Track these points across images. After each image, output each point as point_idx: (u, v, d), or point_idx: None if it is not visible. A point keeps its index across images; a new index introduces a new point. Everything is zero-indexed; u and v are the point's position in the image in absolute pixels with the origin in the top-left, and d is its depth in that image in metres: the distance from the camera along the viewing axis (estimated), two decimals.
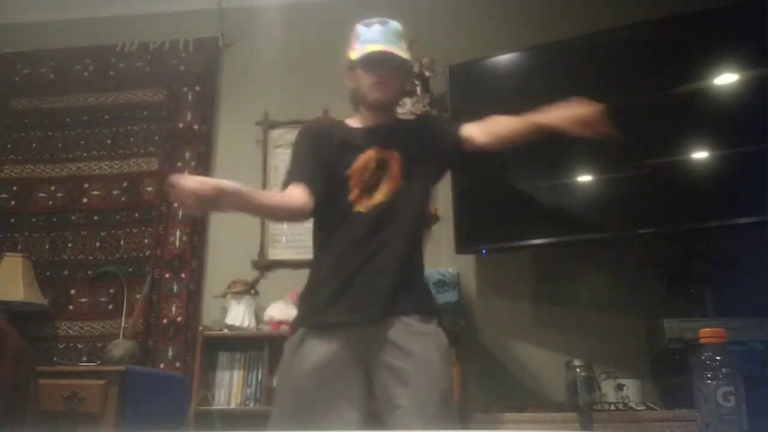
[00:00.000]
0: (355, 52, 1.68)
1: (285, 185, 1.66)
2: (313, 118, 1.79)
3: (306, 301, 1.69)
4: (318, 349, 1.55)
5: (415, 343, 1.55)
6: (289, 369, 1.58)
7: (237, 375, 2.76)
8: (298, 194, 1.60)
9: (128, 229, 3.14)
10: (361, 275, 1.58)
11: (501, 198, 2.75)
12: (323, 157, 1.67)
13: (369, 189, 1.64)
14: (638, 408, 2.20)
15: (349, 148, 1.68)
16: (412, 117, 1.90)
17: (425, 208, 1.76)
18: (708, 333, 1.02)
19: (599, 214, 2.56)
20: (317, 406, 1.51)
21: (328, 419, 1.49)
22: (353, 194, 1.63)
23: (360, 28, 1.71)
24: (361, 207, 1.63)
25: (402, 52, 1.68)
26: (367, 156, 1.66)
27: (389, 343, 1.54)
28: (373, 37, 1.67)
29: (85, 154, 3.28)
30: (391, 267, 1.59)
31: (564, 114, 1.66)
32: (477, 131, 1.69)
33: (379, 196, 1.64)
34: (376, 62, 1.65)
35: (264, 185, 3.11)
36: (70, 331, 3.02)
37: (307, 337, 1.57)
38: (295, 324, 1.65)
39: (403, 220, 1.65)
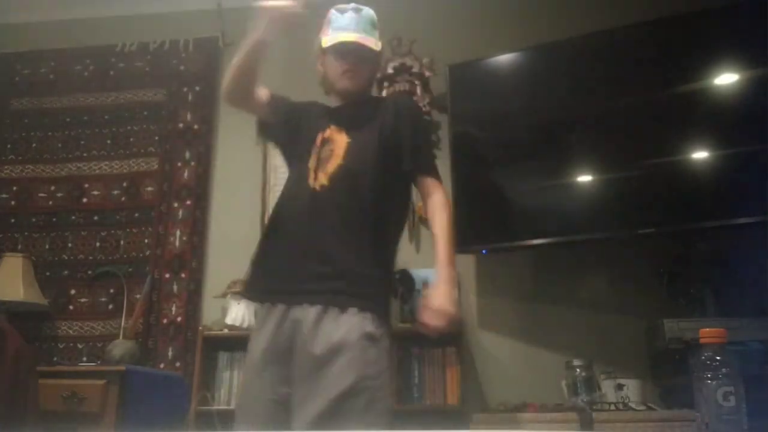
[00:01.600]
0: (327, 39, 1.67)
1: None
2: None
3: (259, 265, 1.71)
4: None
5: (332, 336, 1.44)
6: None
7: (237, 375, 2.76)
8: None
9: (128, 229, 3.14)
10: (300, 253, 1.54)
11: (501, 198, 2.75)
12: (296, 118, 1.74)
13: (321, 166, 1.62)
14: (638, 408, 2.20)
15: (317, 123, 1.70)
16: (392, 97, 1.86)
17: (379, 199, 1.60)
18: (708, 333, 1.02)
19: (599, 214, 2.56)
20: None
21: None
22: (311, 164, 1.63)
23: (333, 14, 1.70)
24: (314, 182, 1.60)
25: (374, 43, 1.68)
26: (324, 134, 1.66)
27: (312, 332, 1.46)
28: (346, 25, 1.66)
29: (85, 154, 3.28)
30: (326, 252, 1.52)
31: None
32: (424, 195, 1.73)
33: (323, 176, 1.60)
34: (347, 52, 1.65)
35: (264, 185, 3.11)
36: (70, 331, 3.02)
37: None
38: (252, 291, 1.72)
39: (348, 204, 1.56)
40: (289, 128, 1.76)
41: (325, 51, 1.69)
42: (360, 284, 1.51)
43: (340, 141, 1.63)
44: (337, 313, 1.47)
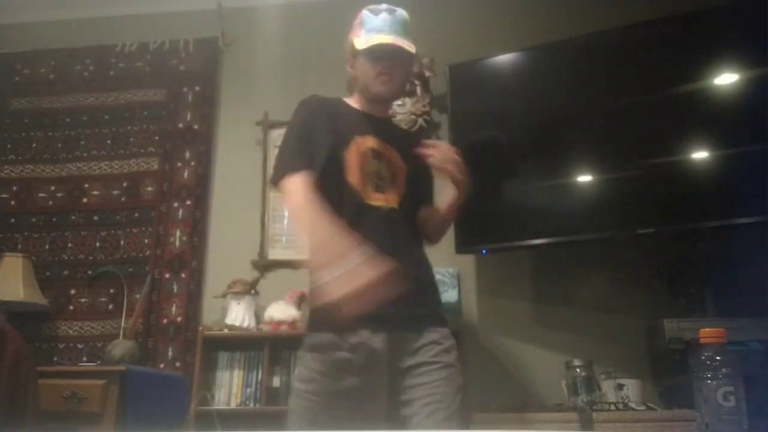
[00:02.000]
0: (361, 41, 1.59)
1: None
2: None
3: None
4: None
5: (441, 356, 1.53)
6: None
7: (237, 375, 2.76)
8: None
9: (128, 229, 3.14)
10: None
11: (501, 198, 2.75)
12: (320, 132, 1.58)
13: (375, 182, 1.55)
14: (638, 408, 2.20)
15: (347, 126, 1.60)
16: (404, 128, 1.83)
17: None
18: (708, 333, 1.02)
19: (599, 214, 2.56)
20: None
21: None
22: (355, 181, 1.52)
23: (366, 15, 1.63)
24: (376, 201, 1.53)
25: (409, 45, 1.60)
26: (365, 140, 1.58)
27: (415, 354, 1.50)
28: (380, 27, 1.59)
29: (85, 154, 3.28)
30: (416, 275, 1.53)
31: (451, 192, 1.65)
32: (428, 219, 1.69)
33: (395, 194, 1.57)
34: (383, 54, 1.58)
35: (264, 185, 3.11)
36: (70, 331, 3.02)
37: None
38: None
39: (414, 231, 1.62)
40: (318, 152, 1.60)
41: (357, 53, 1.61)
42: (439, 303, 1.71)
43: (393, 157, 1.60)
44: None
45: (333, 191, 1.50)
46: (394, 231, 1.53)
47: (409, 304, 1.46)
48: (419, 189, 1.68)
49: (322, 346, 1.48)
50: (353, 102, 1.70)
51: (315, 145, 1.56)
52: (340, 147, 1.55)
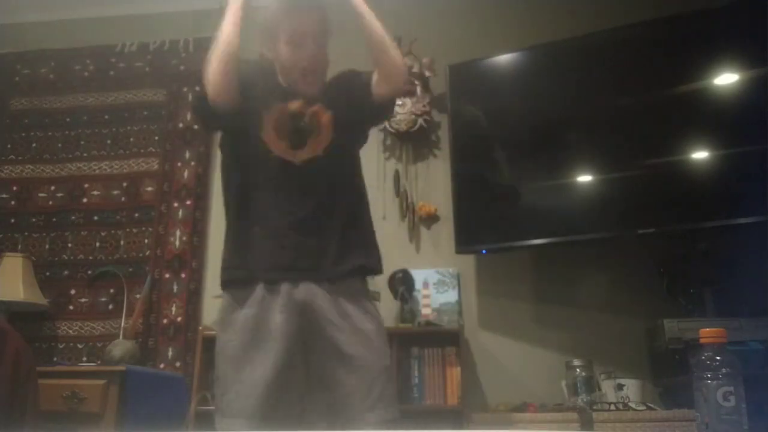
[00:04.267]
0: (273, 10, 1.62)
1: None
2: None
3: (238, 253, 1.60)
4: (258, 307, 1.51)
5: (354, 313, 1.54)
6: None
7: None
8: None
9: (128, 229, 3.14)
10: (298, 233, 1.55)
11: (501, 198, 2.75)
12: (247, 89, 1.61)
13: (294, 138, 1.56)
14: (638, 408, 2.20)
15: (273, 92, 1.62)
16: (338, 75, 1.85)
17: (359, 171, 1.71)
18: (708, 333, 1.02)
19: (599, 214, 2.56)
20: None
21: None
22: (271, 138, 1.56)
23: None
24: (292, 157, 1.56)
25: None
26: (282, 107, 1.58)
27: (327, 309, 1.52)
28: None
29: (85, 154, 3.28)
30: (331, 229, 1.57)
31: None
32: (378, 81, 1.63)
33: (311, 149, 1.57)
34: (302, 35, 1.57)
35: None
36: (70, 331, 3.02)
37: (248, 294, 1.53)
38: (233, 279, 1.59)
39: (340, 179, 1.62)
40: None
41: (275, 36, 1.63)
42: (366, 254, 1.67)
43: (320, 113, 1.57)
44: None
45: (252, 151, 1.58)
46: (311, 186, 1.57)
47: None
48: (351, 123, 1.64)
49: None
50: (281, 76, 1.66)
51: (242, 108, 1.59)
52: (260, 111, 1.57)
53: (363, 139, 1.76)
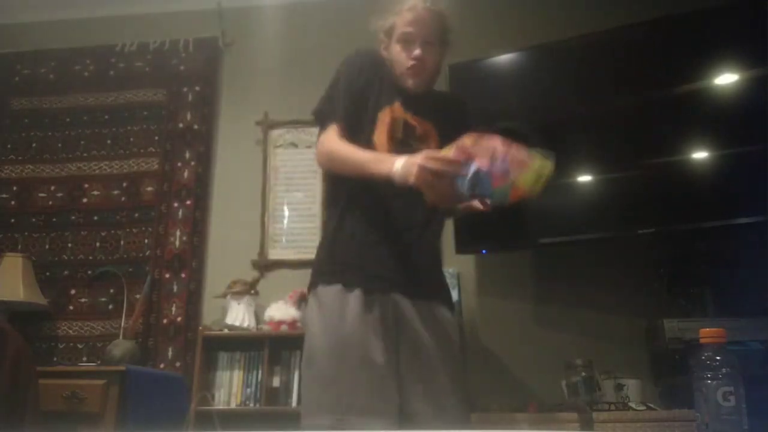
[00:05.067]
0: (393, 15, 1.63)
1: (323, 118, 1.61)
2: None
3: (343, 253, 1.57)
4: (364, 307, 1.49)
5: (441, 330, 1.55)
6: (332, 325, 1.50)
7: (237, 375, 2.76)
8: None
9: (128, 229, 3.14)
10: (403, 248, 1.56)
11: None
12: (361, 90, 1.61)
13: (401, 148, 1.53)
14: (638, 408, 2.20)
15: (388, 94, 1.62)
16: (449, 93, 1.83)
17: None
18: (708, 333, 1.02)
19: (599, 214, 2.56)
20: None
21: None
22: (381, 141, 1.56)
23: None
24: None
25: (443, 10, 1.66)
26: (396, 109, 1.59)
27: (421, 322, 1.53)
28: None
29: (85, 154, 3.28)
30: (429, 248, 1.61)
31: None
32: None
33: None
34: (415, 34, 1.60)
35: (264, 185, 3.11)
36: (70, 331, 3.02)
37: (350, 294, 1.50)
38: (331, 276, 1.54)
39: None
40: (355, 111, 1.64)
41: (391, 34, 1.64)
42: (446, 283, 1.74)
43: (429, 131, 1.61)
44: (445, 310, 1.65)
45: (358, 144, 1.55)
46: (412, 199, 1.51)
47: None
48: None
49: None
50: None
51: (359, 105, 1.60)
52: (376, 109, 1.60)
53: None
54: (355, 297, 1.49)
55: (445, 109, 1.72)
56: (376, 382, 1.42)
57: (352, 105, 1.60)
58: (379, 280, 1.52)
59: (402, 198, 1.53)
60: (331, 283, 1.52)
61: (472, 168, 1.35)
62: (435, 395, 1.48)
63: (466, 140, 1.39)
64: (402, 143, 1.57)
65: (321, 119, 1.63)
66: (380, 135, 1.57)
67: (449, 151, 1.37)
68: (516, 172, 1.40)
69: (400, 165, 1.39)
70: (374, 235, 1.56)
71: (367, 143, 1.55)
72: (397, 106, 1.61)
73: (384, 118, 1.59)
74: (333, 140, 1.56)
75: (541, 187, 1.43)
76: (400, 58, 1.63)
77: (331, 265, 1.57)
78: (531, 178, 1.42)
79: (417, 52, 1.60)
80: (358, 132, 1.58)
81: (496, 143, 1.39)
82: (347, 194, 1.60)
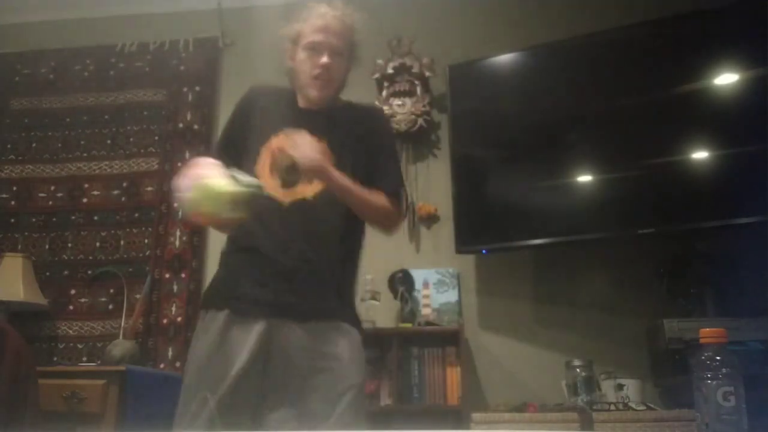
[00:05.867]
0: (301, 22, 1.62)
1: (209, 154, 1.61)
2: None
3: (223, 281, 1.60)
4: (241, 334, 1.48)
5: (332, 344, 1.50)
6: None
7: None
8: None
9: (128, 229, 3.14)
10: (277, 277, 1.51)
11: (501, 198, 2.75)
12: (247, 127, 1.63)
13: (288, 177, 1.53)
14: (638, 408, 2.20)
15: (275, 121, 1.60)
16: (363, 105, 1.78)
17: (352, 223, 1.61)
18: (708, 333, 1.02)
19: (599, 214, 2.56)
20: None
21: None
22: (263, 174, 1.54)
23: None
24: (281, 196, 1.53)
25: (349, 16, 1.62)
26: (280, 140, 1.55)
27: (303, 346, 1.48)
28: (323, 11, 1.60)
29: (85, 154, 3.28)
30: (316, 267, 1.52)
31: None
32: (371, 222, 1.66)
33: (303, 190, 1.53)
34: (321, 43, 1.57)
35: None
36: (70, 331, 3.02)
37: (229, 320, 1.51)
38: (211, 303, 1.57)
39: (330, 226, 1.56)
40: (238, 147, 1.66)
41: (297, 41, 1.62)
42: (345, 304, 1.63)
43: (324, 152, 1.53)
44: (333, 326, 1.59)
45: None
46: (298, 223, 1.53)
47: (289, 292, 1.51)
48: (356, 176, 1.57)
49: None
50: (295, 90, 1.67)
51: (239, 135, 1.64)
52: (260, 143, 1.58)
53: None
54: (221, 318, 1.51)
55: (351, 121, 1.65)
56: (227, 393, 1.45)
57: (227, 145, 1.66)
58: (245, 303, 1.50)
59: (277, 221, 1.53)
60: (206, 309, 1.56)
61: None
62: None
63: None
64: (288, 170, 1.53)
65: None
66: (263, 168, 1.55)
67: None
68: (189, 191, 1.37)
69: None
70: (247, 261, 1.54)
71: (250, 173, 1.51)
72: (282, 135, 1.55)
73: (267, 150, 1.56)
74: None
75: (220, 212, 1.37)
76: (305, 67, 1.59)
77: (208, 292, 1.63)
78: (198, 201, 1.38)
79: (324, 59, 1.57)
80: (241, 161, 1.56)
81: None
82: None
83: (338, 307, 1.56)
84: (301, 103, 1.66)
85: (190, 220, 1.49)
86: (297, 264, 1.52)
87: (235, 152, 1.61)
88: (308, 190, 1.54)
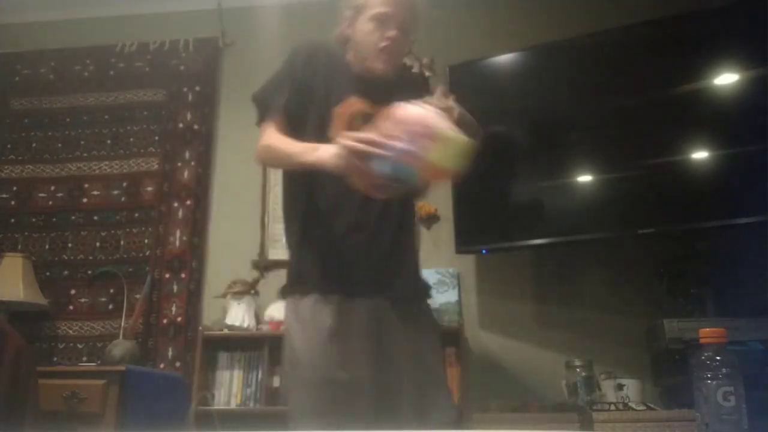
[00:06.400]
0: None
1: (262, 109, 1.58)
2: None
3: (308, 263, 1.52)
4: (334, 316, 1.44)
5: (417, 327, 1.51)
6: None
7: (237, 375, 2.76)
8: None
9: (128, 229, 3.14)
10: (365, 245, 1.49)
11: (501, 198, 2.75)
12: (306, 83, 1.53)
13: None
14: (638, 408, 2.19)
15: (339, 84, 1.54)
16: (411, 74, 1.74)
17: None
18: (708, 333, 1.02)
19: (599, 214, 2.56)
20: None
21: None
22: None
23: None
24: None
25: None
26: (356, 102, 1.50)
27: (397, 321, 1.48)
28: None
29: (85, 154, 3.28)
30: (398, 243, 1.53)
31: None
32: None
33: None
34: (390, 15, 1.52)
35: (264, 186, 3.10)
36: (70, 331, 3.02)
37: (320, 303, 1.46)
38: (301, 287, 1.50)
39: (410, 208, 1.60)
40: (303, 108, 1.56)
41: (361, 10, 1.55)
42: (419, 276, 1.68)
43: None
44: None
45: (326, 178, 1.45)
46: (378, 203, 1.47)
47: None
48: None
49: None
50: (351, 58, 1.61)
51: (303, 97, 1.53)
52: (329, 106, 1.51)
53: None
54: (328, 307, 1.45)
55: (402, 87, 1.60)
56: (343, 401, 1.38)
57: (294, 98, 1.54)
58: (346, 284, 1.47)
59: (353, 195, 1.43)
60: (305, 295, 1.48)
61: (395, 147, 1.21)
62: (421, 400, 1.45)
63: (381, 117, 1.28)
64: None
65: (260, 109, 1.59)
66: (338, 131, 1.45)
67: (371, 130, 1.27)
68: (428, 148, 1.21)
69: (328, 151, 1.33)
70: (335, 241, 1.50)
71: (319, 139, 1.46)
72: (354, 99, 1.52)
73: (341, 114, 1.50)
74: (271, 135, 1.52)
75: (461, 164, 1.23)
76: (371, 38, 1.53)
77: (300, 277, 1.53)
78: (445, 155, 1.22)
79: (392, 32, 1.52)
80: (302, 125, 1.52)
81: (407, 114, 1.25)
82: (305, 205, 1.54)
83: (425, 289, 1.63)
84: (356, 69, 1.59)
85: (428, 179, 1.33)
86: (393, 248, 1.52)
87: (296, 113, 1.54)
88: None
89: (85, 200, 3.21)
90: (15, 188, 3.27)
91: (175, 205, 3.15)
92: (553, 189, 2.66)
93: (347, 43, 1.60)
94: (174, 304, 3.00)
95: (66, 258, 3.13)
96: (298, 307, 1.49)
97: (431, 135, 1.21)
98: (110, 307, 3.03)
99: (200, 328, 2.84)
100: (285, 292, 1.55)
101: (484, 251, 2.78)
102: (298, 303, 1.49)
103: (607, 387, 2.36)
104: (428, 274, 2.79)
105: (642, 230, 2.50)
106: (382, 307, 1.48)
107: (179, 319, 2.97)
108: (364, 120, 1.47)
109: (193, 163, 3.20)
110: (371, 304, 1.47)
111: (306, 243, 1.54)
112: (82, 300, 3.06)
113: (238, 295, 2.81)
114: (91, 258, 3.11)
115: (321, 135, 1.48)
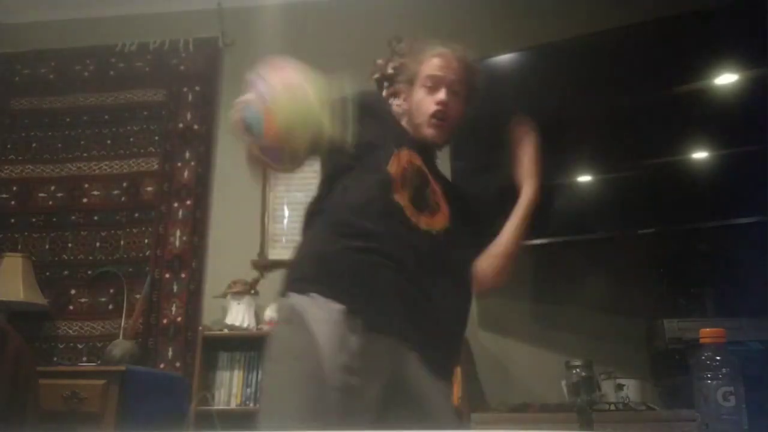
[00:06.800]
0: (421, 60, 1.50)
1: None
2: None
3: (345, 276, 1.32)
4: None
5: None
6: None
7: (237, 375, 2.76)
8: None
9: (128, 229, 3.14)
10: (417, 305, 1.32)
11: (501, 198, 2.74)
12: (368, 129, 1.41)
13: (419, 200, 1.39)
14: (638, 408, 2.20)
15: (396, 137, 1.47)
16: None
17: (468, 279, 1.52)
18: (708, 333, 1.02)
19: (599, 214, 2.56)
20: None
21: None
22: (399, 194, 1.36)
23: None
24: (423, 224, 1.38)
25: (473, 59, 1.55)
26: (412, 155, 1.43)
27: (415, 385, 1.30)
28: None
29: (85, 154, 3.28)
30: (448, 325, 1.39)
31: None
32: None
33: (441, 220, 1.41)
34: (441, 78, 1.48)
35: (264, 185, 3.10)
36: (70, 331, 3.01)
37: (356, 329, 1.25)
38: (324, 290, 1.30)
39: (450, 270, 1.42)
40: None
41: (414, 79, 1.51)
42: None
43: (432, 182, 1.45)
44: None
45: (375, 207, 1.36)
46: (441, 258, 1.38)
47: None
48: (462, 210, 1.52)
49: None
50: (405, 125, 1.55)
51: (358, 143, 1.38)
52: (389, 148, 1.42)
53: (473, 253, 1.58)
54: (357, 332, 1.25)
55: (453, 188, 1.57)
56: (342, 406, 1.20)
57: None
58: (379, 315, 1.28)
59: (409, 242, 1.33)
60: (326, 297, 1.28)
61: (257, 88, 1.12)
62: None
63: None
64: (417, 191, 1.40)
65: None
66: (398, 191, 1.37)
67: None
68: (277, 95, 1.10)
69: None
70: (374, 254, 1.32)
71: (387, 204, 1.35)
72: (404, 151, 1.43)
73: (398, 159, 1.41)
74: None
75: (303, 131, 1.11)
76: (423, 104, 1.49)
77: (324, 277, 1.34)
78: (287, 107, 1.11)
79: (441, 95, 1.47)
80: (371, 190, 1.39)
81: (285, 64, 1.15)
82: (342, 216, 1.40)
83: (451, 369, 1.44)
84: (411, 131, 1.54)
85: (265, 140, 1.18)
86: (435, 305, 1.36)
87: (360, 150, 1.42)
88: (436, 223, 1.41)
89: (85, 200, 3.21)
90: (15, 188, 3.27)
91: (175, 205, 3.15)
92: (553, 189, 2.66)
93: (407, 117, 1.56)
94: (174, 304, 3.00)
95: (66, 258, 3.13)
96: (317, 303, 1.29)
97: (287, 84, 1.14)
98: (110, 307, 3.03)
99: (200, 328, 2.84)
100: (301, 288, 1.35)
101: None
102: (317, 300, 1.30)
103: (607, 387, 2.36)
104: None
105: (642, 230, 2.50)
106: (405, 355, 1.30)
107: (179, 319, 2.97)
108: (417, 177, 1.43)
109: (193, 163, 3.20)
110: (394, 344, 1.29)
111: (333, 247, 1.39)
112: (82, 300, 3.06)
113: (238, 295, 2.81)
114: (91, 258, 3.11)
115: (373, 193, 1.38)
